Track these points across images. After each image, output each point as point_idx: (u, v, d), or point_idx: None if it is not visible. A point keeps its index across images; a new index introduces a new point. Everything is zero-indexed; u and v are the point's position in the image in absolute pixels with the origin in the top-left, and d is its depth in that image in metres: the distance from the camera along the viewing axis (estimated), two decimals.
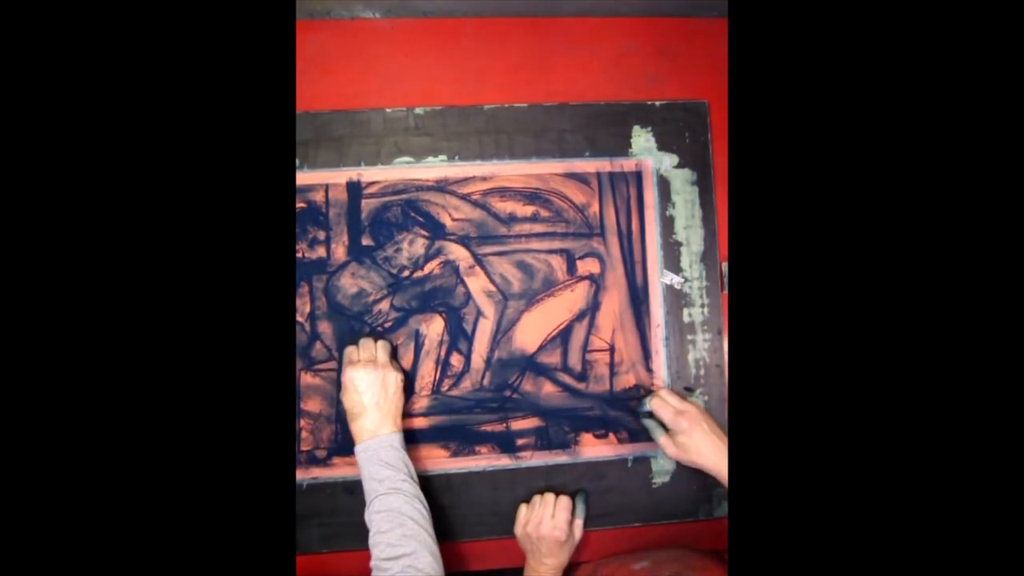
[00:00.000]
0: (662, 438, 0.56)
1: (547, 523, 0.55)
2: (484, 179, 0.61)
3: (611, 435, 0.61)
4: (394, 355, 0.58)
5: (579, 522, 0.57)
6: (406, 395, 0.57)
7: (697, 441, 0.53)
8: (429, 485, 0.59)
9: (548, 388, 0.60)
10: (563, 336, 0.61)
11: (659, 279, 0.60)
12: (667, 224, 0.62)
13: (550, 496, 0.57)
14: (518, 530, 0.57)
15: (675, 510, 0.61)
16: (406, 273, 0.60)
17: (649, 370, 0.61)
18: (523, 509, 0.57)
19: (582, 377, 0.61)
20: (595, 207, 0.62)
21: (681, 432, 0.54)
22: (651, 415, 0.57)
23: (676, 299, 0.62)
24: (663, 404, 0.56)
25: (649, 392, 0.60)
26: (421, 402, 0.60)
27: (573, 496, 0.58)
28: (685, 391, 0.61)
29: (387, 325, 0.59)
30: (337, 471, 0.58)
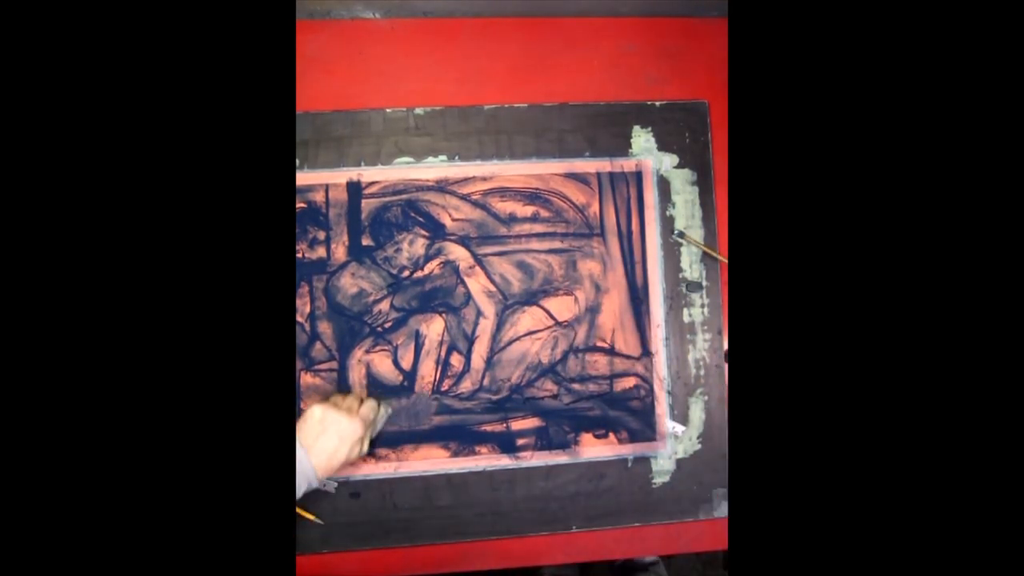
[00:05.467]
0: None
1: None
2: (484, 179, 0.61)
3: (611, 435, 0.61)
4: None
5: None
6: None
7: None
8: (429, 485, 0.59)
9: (548, 388, 0.60)
10: (563, 336, 0.61)
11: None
12: (667, 224, 0.62)
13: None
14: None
15: (675, 510, 0.61)
16: (406, 273, 0.60)
17: (649, 370, 0.61)
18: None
19: (582, 377, 0.61)
20: (595, 207, 0.62)
21: None
22: None
23: (676, 299, 0.62)
24: None
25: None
26: (421, 402, 0.60)
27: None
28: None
29: (387, 325, 0.59)
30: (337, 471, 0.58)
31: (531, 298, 0.61)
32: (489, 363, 0.60)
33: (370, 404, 0.55)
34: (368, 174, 0.60)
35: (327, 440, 0.49)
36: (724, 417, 0.61)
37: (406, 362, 0.59)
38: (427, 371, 0.60)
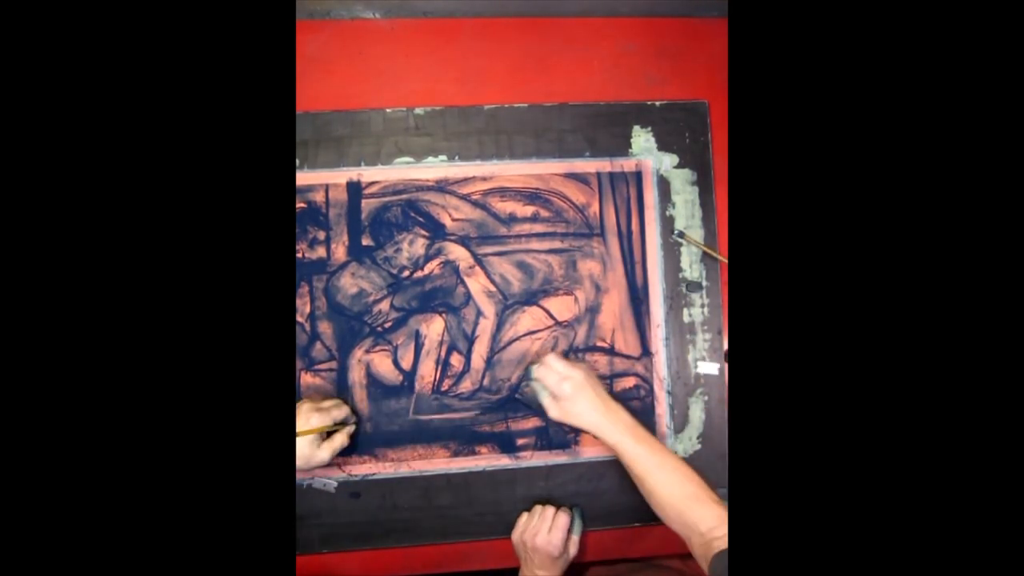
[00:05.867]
0: (547, 400, 0.55)
1: (543, 536, 0.55)
2: (484, 179, 0.61)
3: None
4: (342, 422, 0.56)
5: (575, 538, 0.57)
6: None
7: (580, 406, 0.53)
8: (429, 485, 0.59)
9: None
10: (563, 336, 0.61)
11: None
12: (667, 224, 0.62)
13: (550, 510, 0.57)
14: (515, 537, 0.57)
15: None
16: (406, 273, 0.60)
17: (649, 370, 0.61)
18: (523, 517, 0.58)
19: None
20: (595, 207, 0.62)
21: (564, 397, 0.54)
22: (537, 381, 0.56)
23: (676, 299, 0.62)
24: (548, 370, 0.55)
25: (535, 361, 0.58)
26: (422, 402, 0.60)
27: (572, 510, 0.59)
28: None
29: (387, 325, 0.59)
30: (338, 471, 0.58)
31: (531, 298, 0.61)
32: (489, 363, 0.60)
33: (341, 441, 0.55)
34: (368, 174, 0.60)
35: None
36: (724, 417, 0.61)
37: (406, 362, 0.59)
38: (427, 371, 0.60)
